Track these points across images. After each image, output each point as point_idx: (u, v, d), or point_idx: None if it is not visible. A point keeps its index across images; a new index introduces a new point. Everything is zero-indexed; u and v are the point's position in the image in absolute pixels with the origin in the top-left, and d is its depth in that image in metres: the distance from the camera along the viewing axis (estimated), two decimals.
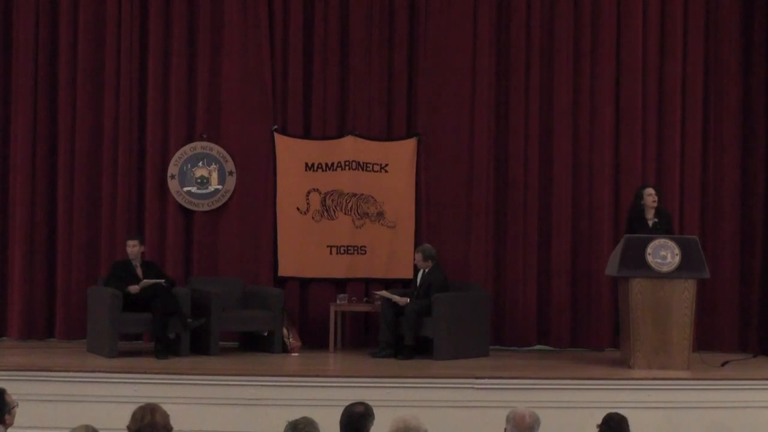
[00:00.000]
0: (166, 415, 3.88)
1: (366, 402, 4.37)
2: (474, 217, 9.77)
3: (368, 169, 9.79)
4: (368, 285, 9.75)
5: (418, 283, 9.12)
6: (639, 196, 8.79)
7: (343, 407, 4.32)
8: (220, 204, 9.75)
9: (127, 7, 9.68)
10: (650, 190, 8.71)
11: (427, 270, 9.07)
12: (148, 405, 3.91)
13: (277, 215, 9.76)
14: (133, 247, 8.85)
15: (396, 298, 8.95)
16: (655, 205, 8.69)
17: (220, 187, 9.74)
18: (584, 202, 9.82)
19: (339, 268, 9.75)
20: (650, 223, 8.67)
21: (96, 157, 9.72)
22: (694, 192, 9.80)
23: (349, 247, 9.77)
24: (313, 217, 9.78)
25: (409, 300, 8.93)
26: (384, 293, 9.07)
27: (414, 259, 9.26)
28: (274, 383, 7.66)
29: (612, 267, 8.50)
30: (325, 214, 9.78)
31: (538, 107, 9.82)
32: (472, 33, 9.81)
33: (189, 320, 8.61)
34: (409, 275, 9.47)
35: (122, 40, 9.68)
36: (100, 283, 8.99)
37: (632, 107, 9.80)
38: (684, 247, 8.18)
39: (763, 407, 7.73)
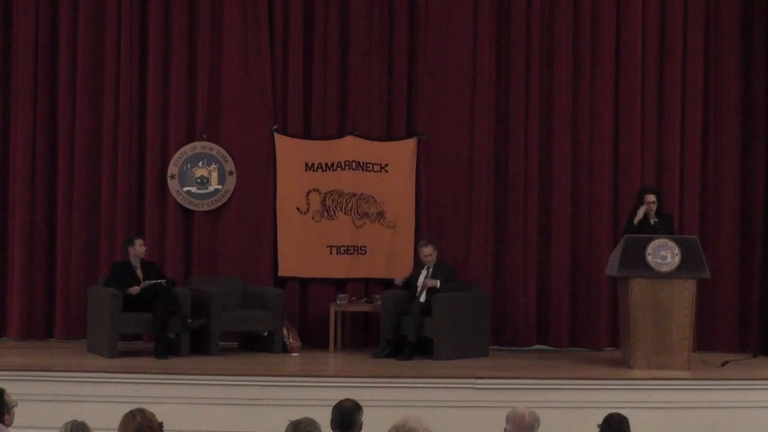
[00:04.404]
0: (153, 414, 3.98)
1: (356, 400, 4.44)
2: (474, 217, 9.78)
3: (368, 169, 9.79)
4: (368, 285, 9.75)
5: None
6: (640, 199, 8.78)
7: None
8: (220, 204, 9.75)
9: (127, 7, 9.68)
10: (650, 197, 8.64)
11: (431, 266, 9.06)
12: (134, 409, 4.02)
13: (277, 215, 9.76)
14: (142, 246, 8.88)
15: (431, 282, 8.97)
16: (654, 210, 8.66)
17: (220, 187, 9.75)
18: (584, 202, 9.82)
19: (339, 268, 9.74)
20: (651, 221, 8.67)
21: (96, 157, 9.72)
22: (694, 192, 9.80)
23: (349, 247, 9.77)
24: (313, 217, 9.78)
25: (439, 282, 8.95)
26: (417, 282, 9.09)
27: (421, 255, 9.14)
28: (274, 383, 7.66)
29: (612, 267, 8.51)
30: (325, 214, 9.78)
31: (538, 107, 9.82)
32: (472, 33, 9.81)
33: (189, 320, 8.61)
34: None
35: (122, 40, 9.68)
36: (100, 284, 8.99)
37: (632, 107, 9.80)
38: (684, 247, 8.18)
39: (763, 407, 7.73)
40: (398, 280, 9.20)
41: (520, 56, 9.81)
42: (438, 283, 8.97)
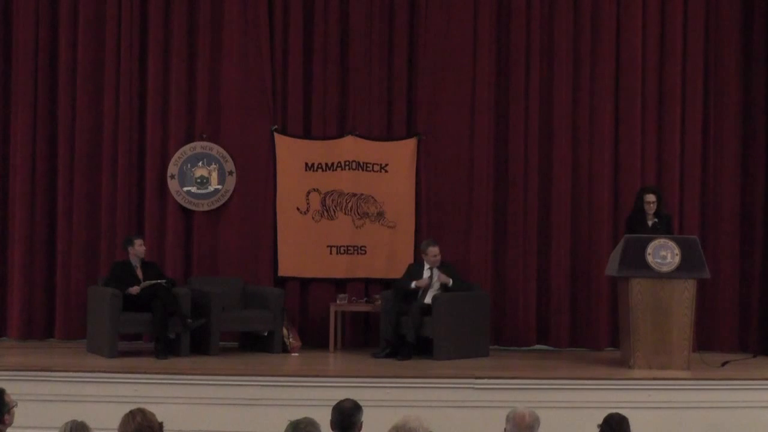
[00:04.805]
0: (153, 414, 3.98)
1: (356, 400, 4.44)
2: (474, 217, 9.78)
3: (368, 169, 9.79)
4: (368, 285, 9.75)
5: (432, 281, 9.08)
6: (640, 199, 8.80)
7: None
8: (220, 204, 9.75)
9: (127, 7, 9.68)
10: (650, 197, 8.69)
11: (436, 267, 9.05)
12: (134, 409, 4.02)
13: (277, 215, 9.76)
14: (142, 246, 8.88)
15: (444, 278, 8.97)
16: (654, 210, 8.69)
17: (219, 187, 9.75)
18: (584, 202, 9.82)
19: (339, 268, 9.74)
20: (650, 223, 8.68)
21: (96, 157, 9.72)
22: (694, 192, 9.80)
23: (349, 247, 9.77)
24: (313, 217, 9.78)
25: (451, 281, 8.96)
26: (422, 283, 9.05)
27: (429, 255, 9.07)
28: (274, 383, 7.66)
29: (612, 267, 8.51)
30: (325, 214, 9.79)
31: (538, 107, 9.82)
32: (472, 33, 9.81)
33: (189, 320, 8.61)
34: None
35: (122, 40, 9.68)
36: (100, 284, 8.99)
37: (632, 107, 9.80)
38: (684, 247, 8.19)
39: (763, 407, 7.74)
40: (419, 282, 9.09)
41: (520, 56, 9.81)
42: (451, 281, 8.97)
